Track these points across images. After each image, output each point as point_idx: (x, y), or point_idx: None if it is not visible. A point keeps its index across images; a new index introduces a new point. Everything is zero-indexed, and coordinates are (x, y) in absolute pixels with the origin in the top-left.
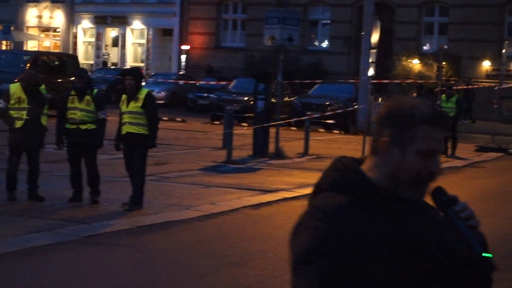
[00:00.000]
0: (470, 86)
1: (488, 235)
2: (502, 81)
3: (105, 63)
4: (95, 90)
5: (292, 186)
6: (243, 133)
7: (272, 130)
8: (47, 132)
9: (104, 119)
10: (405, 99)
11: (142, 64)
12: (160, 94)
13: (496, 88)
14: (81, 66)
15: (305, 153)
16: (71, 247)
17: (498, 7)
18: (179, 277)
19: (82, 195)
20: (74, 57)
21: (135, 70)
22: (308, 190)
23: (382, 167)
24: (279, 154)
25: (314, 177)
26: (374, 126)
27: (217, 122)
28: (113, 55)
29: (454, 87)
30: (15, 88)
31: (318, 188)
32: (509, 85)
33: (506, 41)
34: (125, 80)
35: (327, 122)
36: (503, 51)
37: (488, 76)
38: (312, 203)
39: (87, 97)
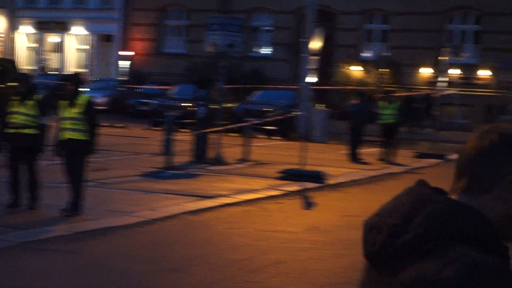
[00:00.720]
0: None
1: None
2: (441, 88)
3: (43, 69)
4: (39, 95)
5: (231, 192)
6: (184, 139)
7: (213, 136)
8: None
9: (46, 125)
10: None
11: (84, 70)
12: (101, 99)
13: (435, 94)
14: (20, 71)
15: (245, 159)
16: (9, 253)
17: (438, 15)
18: (119, 283)
19: (21, 200)
20: (13, 62)
21: (74, 76)
22: (248, 196)
23: None
24: (219, 160)
25: (254, 183)
26: None
27: (158, 128)
28: (54, 60)
29: (394, 94)
30: None
31: None
32: (448, 92)
33: (446, 48)
34: (65, 86)
35: (268, 128)
36: (443, 58)
37: (428, 83)
38: None
39: (30, 102)
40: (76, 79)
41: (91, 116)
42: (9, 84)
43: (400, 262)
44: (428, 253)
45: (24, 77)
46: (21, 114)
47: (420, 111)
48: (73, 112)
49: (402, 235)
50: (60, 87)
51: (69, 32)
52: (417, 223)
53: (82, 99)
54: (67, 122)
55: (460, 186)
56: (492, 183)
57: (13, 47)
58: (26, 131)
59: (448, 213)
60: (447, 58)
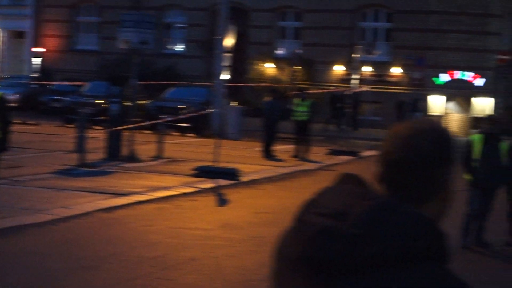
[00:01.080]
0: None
1: None
2: (354, 85)
3: None
4: None
5: (145, 189)
6: (97, 136)
7: (126, 133)
8: None
9: None
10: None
11: None
12: (13, 96)
13: (348, 92)
14: None
15: (159, 156)
16: None
17: (350, 13)
18: (32, 282)
19: None
20: None
21: None
22: (161, 193)
23: None
24: (132, 158)
25: (167, 181)
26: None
27: (71, 125)
28: None
29: (307, 91)
30: None
31: None
32: (360, 89)
33: (358, 46)
34: None
35: (181, 126)
36: (355, 56)
37: (341, 80)
38: None
39: None
40: None
41: (3, 113)
42: None
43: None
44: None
45: None
46: None
47: (342, 109)
48: None
49: (364, 246)
50: None
51: None
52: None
53: None
54: None
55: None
56: None
57: None
58: None
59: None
60: (359, 55)
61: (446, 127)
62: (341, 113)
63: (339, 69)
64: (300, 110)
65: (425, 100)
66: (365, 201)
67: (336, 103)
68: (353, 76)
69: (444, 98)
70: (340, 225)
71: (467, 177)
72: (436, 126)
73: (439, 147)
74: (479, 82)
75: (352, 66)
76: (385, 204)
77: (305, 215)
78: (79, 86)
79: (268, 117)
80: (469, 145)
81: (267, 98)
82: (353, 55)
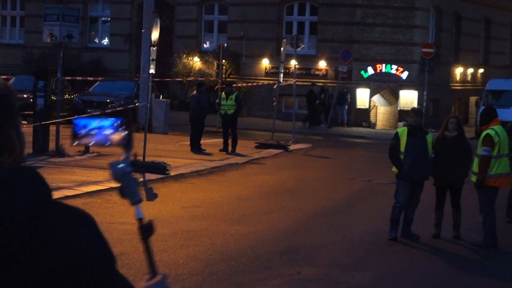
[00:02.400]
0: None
1: (268, 231)
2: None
3: None
4: None
5: (73, 184)
6: (23, 131)
7: (53, 128)
8: None
9: None
10: None
11: None
12: None
13: (275, 86)
14: None
15: (86, 151)
16: None
17: (276, 6)
18: None
19: None
20: None
21: None
22: (90, 188)
23: None
24: (59, 152)
25: (95, 175)
26: None
27: None
28: None
29: (233, 85)
30: None
31: None
32: (287, 83)
33: (284, 39)
34: None
35: None
36: (281, 49)
37: (267, 74)
38: None
39: None
40: None
41: None
42: None
43: None
44: None
45: None
46: None
47: (318, 106)
48: None
49: None
50: None
51: None
52: None
53: None
54: None
55: None
56: None
57: None
58: None
59: None
60: (285, 49)
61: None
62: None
63: (265, 62)
64: (227, 104)
65: (352, 93)
66: None
67: (315, 99)
68: (280, 70)
69: (369, 91)
70: None
71: (394, 169)
72: None
73: None
74: (404, 75)
75: (279, 60)
76: None
77: None
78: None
79: (194, 111)
80: (396, 137)
81: (193, 92)
82: (280, 49)
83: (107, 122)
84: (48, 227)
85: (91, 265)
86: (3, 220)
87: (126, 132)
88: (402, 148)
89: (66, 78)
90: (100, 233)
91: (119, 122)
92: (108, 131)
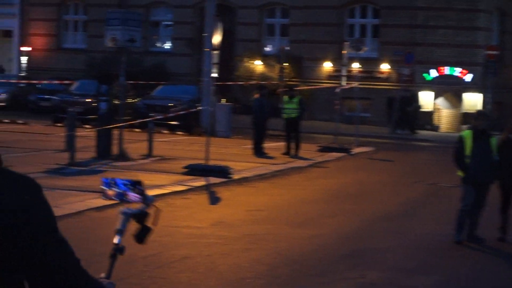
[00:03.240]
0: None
1: (332, 235)
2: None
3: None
4: None
5: None
6: (86, 135)
7: (116, 132)
8: None
9: None
10: None
11: None
12: (1, 96)
13: (337, 89)
14: None
15: (149, 154)
16: None
17: (338, 9)
18: None
19: None
20: None
21: None
22: (152, 192)
23: None
24: (123, 156)
25: (158, 179)
26: None
27: (60, 124)
28: None
29: (296, 88)
30: None
31: None
32: (349, 86)
33: (346, 42)
34: None
35: (171, 124)
36: (344, 52)
37: (329, 77)
38: None
39: None
40: None
41: None
42: None
43: None
44: None
45: None
46: None
47: (409, 113)
48: None
49: None
50: None
51: None
52: None
53: None
54: None
55: None
56: None
57: None
58: None
59: None
60: (347, 52)
61: None
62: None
63: (327, 65)
64: (289, 107)
65: (416, 96)
66: None
67: (394, 105)
68: (342, 73)
69: (433, 94)
70: None
71: (459, 173)
72: None
73: None
74: (468, 77)
75: (341, 63)
76: None
77: None
78: (67, 84)
79: (257, 115)
80: (460, 141)
81: (256, 96)
82: (342, 52)
83: (127, 183)
84: None
85: (33, 226)
86: None
87: (140, 195)
88: (467, 151)
89: (129, 82)
90: (43, 197)
91: (135, 186)
92: (125, 191)
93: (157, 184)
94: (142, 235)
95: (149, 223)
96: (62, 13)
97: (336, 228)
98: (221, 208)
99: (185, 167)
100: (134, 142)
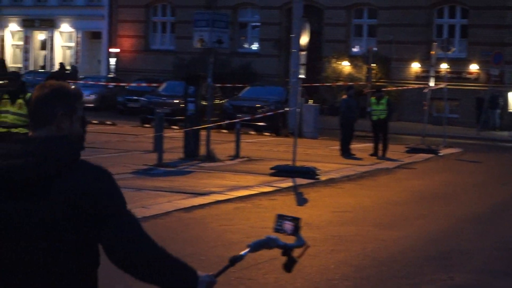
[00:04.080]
0: (399, 88)
1: (420, 236)
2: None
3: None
4: (28, 94)
5: (223, 188)
6: (174, 136)
7: (203, 133)
8: None
9: None
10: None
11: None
12: (89, 97)
13: (425, 90)
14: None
15: (237, 155)
16: None
17: (426, 9)
18: (110, 283)
19: None
20: (1, 61)
21: (59, 73)
22: (240, 193)
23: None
24: (210, 157)
25: (245, 180)
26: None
27: (148, 125)
28: (41, 58)
29: (384, 89)
30: None
31: None
32: (438, 87)
33: (435, 43)
34: None
35: (258, 125)
36: (432, 52)
37: (417, 77)
38: None
39: (20, 101)
40: (61, 77)
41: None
42: None
43: None
44: None
45: (13, 76)
46: (11, 113)
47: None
48: None
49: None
50: None
51: (56, 29)
52: None
53: None
54: None
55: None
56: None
57: (2, 45)
58: (16, 130)
59: None
60: (436, 52)
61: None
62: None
63: (415, 66)
64: (378, 108)
65: (505, 97)
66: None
67: (483, 106)
68: (430, 73)
69: None
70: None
71: None
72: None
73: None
74: None
75: (429, 63)
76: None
77: None
78: (155, 86)
79: (344, 115)
80: None
81: (343, 96)
82: (430, 52)
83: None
84: (73, 177)
85: (105, 206)
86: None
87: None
88: None
89: (217, 83)
90: (113, 183)
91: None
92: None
93: (244, 185)
94: (289, 266)
95: (295, 255)
96: (150, 14)
97: (424, 229)
98: (308, 209)
99: (272, 168)
100: (221, 143)
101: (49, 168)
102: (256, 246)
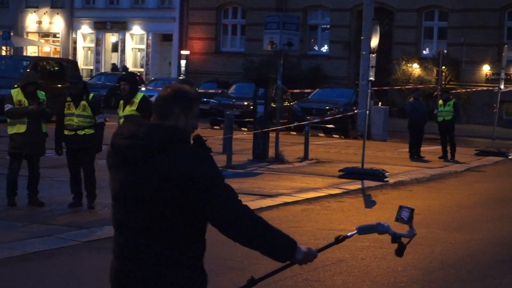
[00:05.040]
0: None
1: (489, 240)
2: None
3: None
4: (91, 95)
5: (292, 190)
6: (243, 138)
7: (272, 135)
8: (47, 138)
9: (102, 123)
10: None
11: (141, 69)
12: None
13: (495, 92)
14: (80, 71)
15: (305, 157)
16: (71, 252)
17: (497, 11)
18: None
19: (82, 200)
20: (74, 63)
21: (129, 75)
22: (308, 195)
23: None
24: (279, 159)
25: (314, 182)
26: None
27: (217, 127)
28: (113, 60)
29: (452, 91)
30: (15, 92)
31: None
32: (508, 89)
33: (506, 45)
34: (121, 85)
35: (327, 127)
36: (503, 55)
37: (488, 80)
38: None
39: (83, 102)
40: (131, 78)
41: (145, 113)
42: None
43: None
44: None
45: (75, 79)
46: (75, 115)
47: None
48: (129, 110)
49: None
50: (117, 87)
51: (128, 31)
52: None
53: (137, 97)
54: (124, 120)
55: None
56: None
57: (74, 47)
58: (81, 132)
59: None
60: (507, 54)
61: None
62: None
63: (486, 68)
64: (445, 110)
65: None
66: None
67: None
68: (501, 76)
69: None
70: (133, 141)
71: None
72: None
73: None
74: None
75: (500, 66)
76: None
77: (114, 141)
78: (225, 88)
79: (411, 118)
80: None
81: (410, 99)
82: (502, 55)
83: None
84: (170, 156)
85: (206, 181)
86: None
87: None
88: None
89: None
90: (212, 161)
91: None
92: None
93: (313, 187)
94: (400, 251)
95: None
96: (221, 17)
97: (493, 233)
98: (377, 212)
99: (341, 170)
100: (290, 145)
101: (149, 148)
102: (364, 229)
